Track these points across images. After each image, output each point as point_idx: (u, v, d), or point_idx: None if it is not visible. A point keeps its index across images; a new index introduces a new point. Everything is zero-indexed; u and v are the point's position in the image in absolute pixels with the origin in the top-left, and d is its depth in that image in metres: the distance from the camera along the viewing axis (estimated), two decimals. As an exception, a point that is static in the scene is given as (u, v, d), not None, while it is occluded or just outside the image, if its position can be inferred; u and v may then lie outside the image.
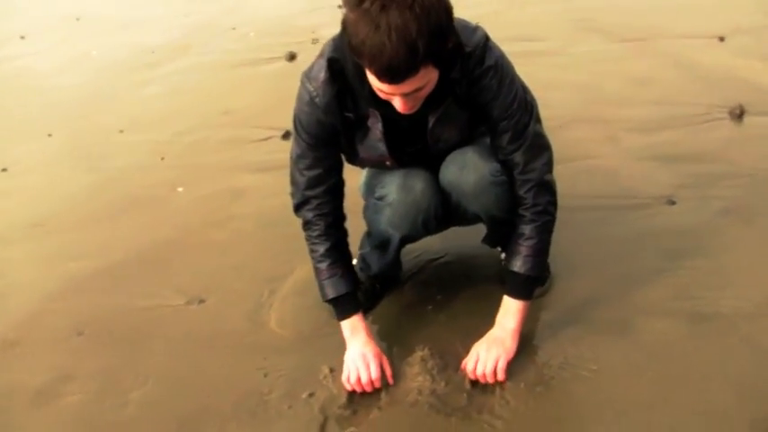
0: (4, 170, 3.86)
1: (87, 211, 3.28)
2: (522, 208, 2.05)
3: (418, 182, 2.06)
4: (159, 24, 6.38)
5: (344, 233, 2.18)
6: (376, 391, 2.06)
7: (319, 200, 2.08)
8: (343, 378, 2.08)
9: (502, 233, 2.39)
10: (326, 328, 2.33)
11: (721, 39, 4.26)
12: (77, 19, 6.88)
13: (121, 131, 4.17)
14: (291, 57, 4.94)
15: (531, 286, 2.11)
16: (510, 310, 2.11)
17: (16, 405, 2.18)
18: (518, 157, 1.99)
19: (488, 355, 2.05)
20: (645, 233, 2.59)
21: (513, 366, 2.07)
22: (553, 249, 2.45)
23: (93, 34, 6.34)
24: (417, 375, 2.06)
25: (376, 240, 2.33)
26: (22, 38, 6.50)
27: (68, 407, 2.15)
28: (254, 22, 5.93)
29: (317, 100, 1.93)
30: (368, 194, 2.20)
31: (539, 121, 2.04)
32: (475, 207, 2.09)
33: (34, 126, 4.43)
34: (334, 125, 1.97)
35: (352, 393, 2.06)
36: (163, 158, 3.75)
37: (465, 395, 2.01)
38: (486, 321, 2.26)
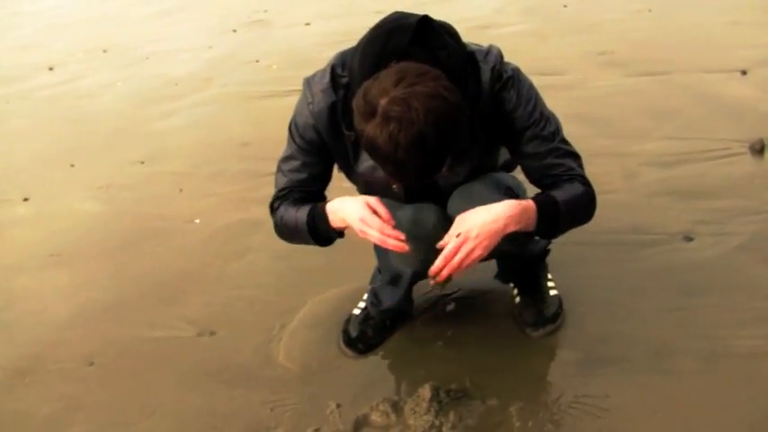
0: (26, 199, 3.91)
1: (104, 242, 3.32)
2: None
3: (431, 215, 2.03)
4: (184, 56, 6.47)
5: None
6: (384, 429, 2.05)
7: (298, 193, 2.08)
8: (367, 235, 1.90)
9: (513, 268, 2.39)
10: (335, 362, 2.33)
11: (743, 72, 4.22)
12: (104, 51, 7.01)
13: (142, 162, 4.22)
14: (312, 89, 4.96)
15: (551, 210, 1.90)
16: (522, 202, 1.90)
17: (24, 435, 2.19)
18: (549, 160, 1.94)
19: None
20: (660, 269, 2.56)
21: (522, 404, 2.04)
22: (566, 285, 2.45)
23: (119, 66, 6.45)
24: (425, 414, 2.04)
25: (387, 276, 2.32)
26: (51, 69, 6.63)
27: (74, 438, 2.16)
28: (278, 55, 5.99)
29: (310, 107, 1.93)
30: None
31: (564, 138, 2.00)
32: None
33: (58, 156, 4.50)
34: (325, 138, 1.97)
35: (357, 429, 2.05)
36: (181, 190, 3.78)
37: (473, 434, 1.98)
38: (498, 358, 2.24)
